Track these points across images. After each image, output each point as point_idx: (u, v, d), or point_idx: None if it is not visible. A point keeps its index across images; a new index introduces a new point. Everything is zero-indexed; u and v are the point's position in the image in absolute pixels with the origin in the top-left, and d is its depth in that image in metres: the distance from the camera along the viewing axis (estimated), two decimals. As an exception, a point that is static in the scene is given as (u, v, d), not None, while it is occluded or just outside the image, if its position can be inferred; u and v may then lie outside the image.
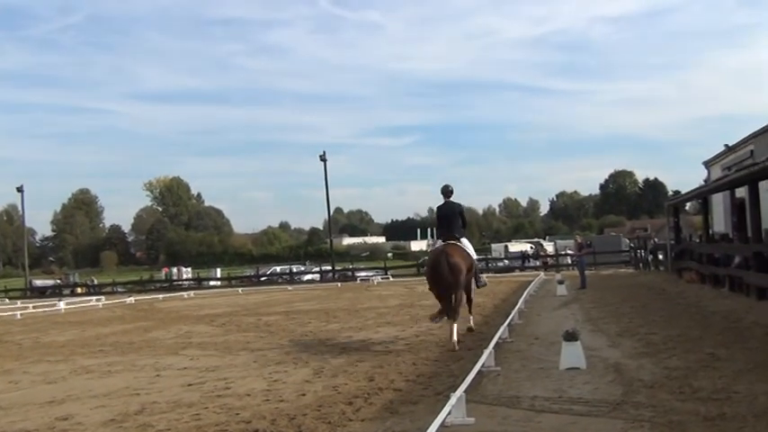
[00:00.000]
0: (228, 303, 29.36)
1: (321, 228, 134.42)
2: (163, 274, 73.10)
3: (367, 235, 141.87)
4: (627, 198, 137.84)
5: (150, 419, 7.70)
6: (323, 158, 55.58)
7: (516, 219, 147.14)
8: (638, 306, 17.50)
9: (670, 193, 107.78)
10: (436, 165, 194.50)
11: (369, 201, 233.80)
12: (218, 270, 72.56)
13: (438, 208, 13.84)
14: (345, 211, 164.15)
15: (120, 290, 54.19)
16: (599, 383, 8.28)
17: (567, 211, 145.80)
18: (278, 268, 64.32)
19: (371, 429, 6.74)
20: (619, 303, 18.51)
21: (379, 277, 46.03)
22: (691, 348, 10.43)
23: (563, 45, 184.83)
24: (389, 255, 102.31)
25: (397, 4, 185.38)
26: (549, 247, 67.56)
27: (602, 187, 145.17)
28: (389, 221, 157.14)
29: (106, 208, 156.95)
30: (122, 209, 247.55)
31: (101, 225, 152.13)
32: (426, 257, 14.27)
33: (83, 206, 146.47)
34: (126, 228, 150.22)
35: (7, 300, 46.90)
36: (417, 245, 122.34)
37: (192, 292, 42.03)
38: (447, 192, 13.58)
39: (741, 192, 20.30)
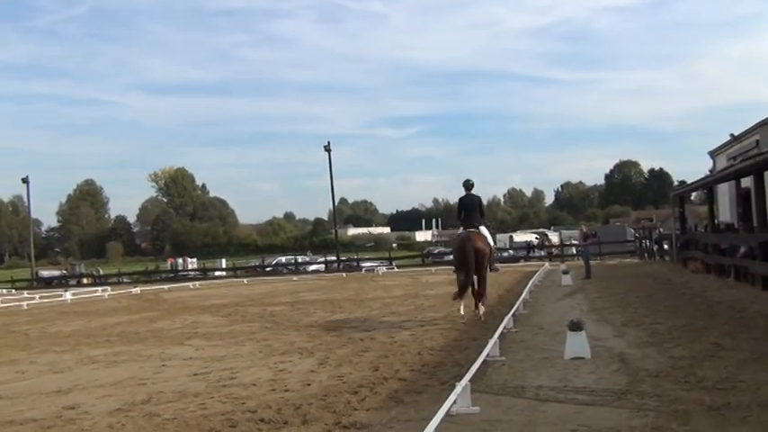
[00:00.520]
0: (234, 294, 29.41)
1: (326, 218, 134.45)
2: (168, 264, 73.24)
3: (372, 225, 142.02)
4: (632, 188, 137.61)
5: (156, 409, 7.73)
6: (327, 149, 55.60)
7: (521, 209, 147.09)
8: (643, 296, 17.49)
9: (675, 183, 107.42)
10: (440, 155, 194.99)
11: (373, 191, 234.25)
12: (224, 260, 72.73)
13: (460, 199, 15.26)
14: (350, 201, 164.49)
15: (125, 280, 54.32)
16: (604, 373, 8.29)
17: (572, 202, 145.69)
18: (283, 258, 64.38)
19: (376, 419, 6.75)
20: (624, 293, 18.50)
21: (383, 267, 46.05)
22: (696, 338, 10.43)
23: (567, 35, 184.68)
24: (394, 245, 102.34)
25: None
26: (553, 237, 67.59)
27: (607, 177, 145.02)
28: (394, 212, 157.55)
29: (111, 199, 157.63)
30: (127, 200, 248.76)
31: (106, 216, 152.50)
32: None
33: (88, 197, 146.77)
34: (131, 218, 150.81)
35: (14, 290, 47.08)
36: (422, 235, 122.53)
37: (197, 283, 42.09)
38: (468, 185, 15.14)
39: (747, 182, 20.23)
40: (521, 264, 43.66)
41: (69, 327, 18.40)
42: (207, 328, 16.15)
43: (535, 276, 25.09)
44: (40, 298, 31.19)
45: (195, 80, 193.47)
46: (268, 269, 55.33)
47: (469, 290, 14.37)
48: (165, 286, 40.22)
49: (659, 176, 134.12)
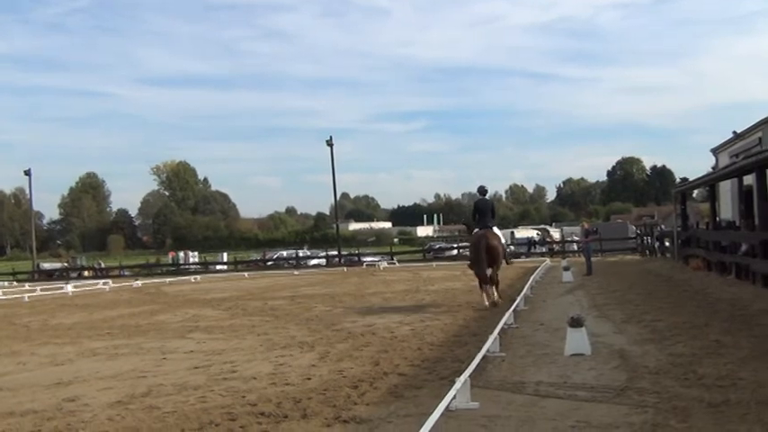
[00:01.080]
0: (235, 287, 29.43)
1: (328, 213, 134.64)
2: (169, 258, 73.22)
3: (373, 220, 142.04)
4: (634, 185, 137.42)
5: (156, 401, 7.75)
6: (330, 143, 55.53)
7: (523, 205, 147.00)
8: (644, 293, 17.49)
9: (677, 180, 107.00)
10: (443, 150, 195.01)
11: (375, 186, 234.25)
12: (225, 254, 72.70)
13: (475, 203, 17.52)
14: (352, 196, 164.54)
15: (126, 273, 54.37)
16: (603, 369, 8.30)
17: (574, 198, 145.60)
18: (284, 253, 64.39)
19: (376, 413, 6.77)
20: (625, 290, 18.49)
21: (384, 262, 46.06)
22: (696, 335, 10.43)
23: (571, 31, 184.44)
24: (395, 240, 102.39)
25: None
26: (555, 233, 67.38)
27: (609, 174, 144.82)
28: (396, 207, 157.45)
29: (113, 192, 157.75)
30: (129, 193, 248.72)
31: (108, 209, 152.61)
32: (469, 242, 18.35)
33: (90, 190, 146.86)
34: (133, 212, 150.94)
35: (15, 282, 47.14)
36: (423, 230, 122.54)
37: (198, 276, 42.13)
38: (483, 191, 17.53)
39: (749, 179, 20.20)
40: (522, 260, 43.63)
41: (70, 319, 18.43)
42: (208, 321, 16.18)
43: (536, 272, 25.08)
44: (42, 290, 31.26)
45: (198, 73, 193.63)
46: (269, 263, 55.34)
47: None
48: (167, 279, 40.26)
49: (661, 173, 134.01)
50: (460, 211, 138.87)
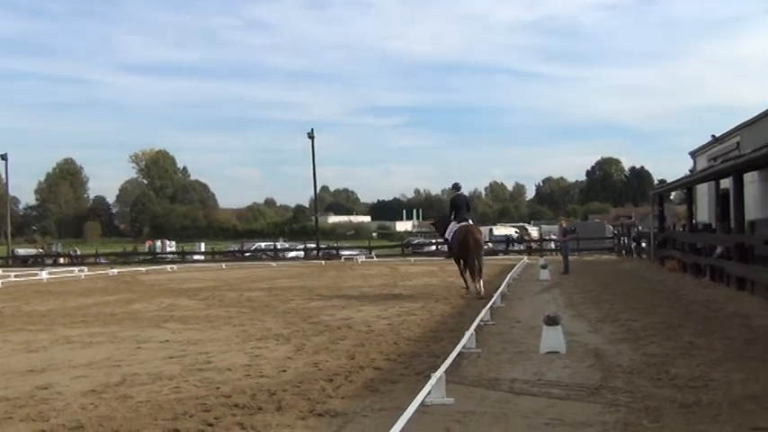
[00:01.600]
0: (212, 278, 29.32)
1: (307, 205, 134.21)
2: (146, 246, 72.76)
3: (353, 214, 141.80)
4: (613, 185, 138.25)
5: (130, 391, 7.70)
6: (311, 136, 55.40)
7: (502, 202, 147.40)
8: (620, 293, 17.62)
9: (655, 181, 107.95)
10: (424, 146, 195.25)
11: (355, 180, 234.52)
12: (203, 244, 72.40)
13: (452, 198, 19.02)
14: (332, 189, 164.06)
15: (103, 261, 54.00)
16: (578, 368, 8.35)
17: (553, 197, 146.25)
18: (262, 244, 64.20)
19: (351, 407, 6.77)
20: (601, 290, 18.63)
21: (363, 256, 46.09)
22: (670, 336, 10.53)
23: (555, 30, 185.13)
24: (374, 234, 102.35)
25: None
26: (533, 231, 67.70)
27: (588, 174, 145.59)
28: (375, 201, 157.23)
29: (91, 179, 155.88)
30: (107, 180, 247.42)
31: (85, 196, 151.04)
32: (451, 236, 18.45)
33: (67, 176, 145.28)
34: (110, 199, 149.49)
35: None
36: (403, 225, 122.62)
37: (175, 266, 41.94)
38: (457, 187, 19.01)
39: (726, 183, 20.40)
40: (500, 257, 43.82)
41: (45, 306, 18.27)
42: (184, 311, 16.10)
43: (513, 270, 25.20)
44: (16, 276, 30.90)
45: (179, 62, 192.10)
46: (247, 254, 55.21)
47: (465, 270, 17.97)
48: (143, 268, 40.01)
49: (640, 175, 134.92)
50: (440, 206, 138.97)
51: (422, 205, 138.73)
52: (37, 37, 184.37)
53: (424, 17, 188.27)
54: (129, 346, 10.98)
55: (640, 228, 41.85)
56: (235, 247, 66.67)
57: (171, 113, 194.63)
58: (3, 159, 62.54)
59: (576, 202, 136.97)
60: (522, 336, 10.88)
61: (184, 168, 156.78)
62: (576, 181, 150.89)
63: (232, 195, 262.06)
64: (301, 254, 52.93)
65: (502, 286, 17.78)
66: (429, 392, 6.54)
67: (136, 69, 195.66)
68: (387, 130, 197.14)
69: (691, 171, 34.97)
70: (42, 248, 69.90)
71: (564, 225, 31.25)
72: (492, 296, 15.35)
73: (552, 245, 47.52)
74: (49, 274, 32.88)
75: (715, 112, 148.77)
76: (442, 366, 7.34)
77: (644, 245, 34.33)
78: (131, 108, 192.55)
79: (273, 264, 42.73)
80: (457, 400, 6.79)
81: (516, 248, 50.77)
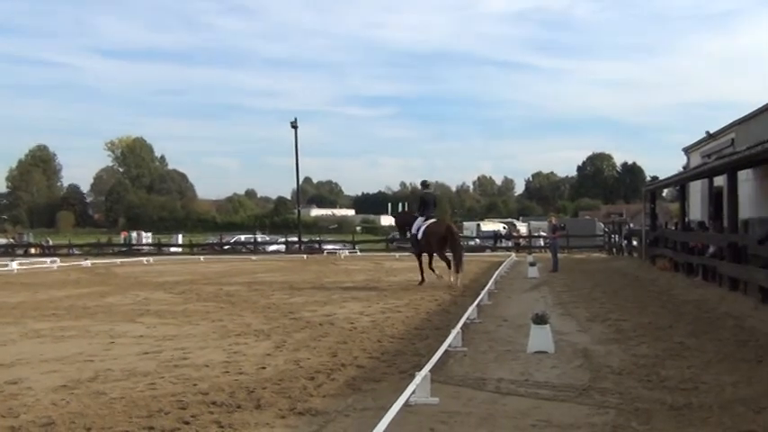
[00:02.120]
0: (189, 271, 29.23)
1: (289, 197, 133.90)
2: (122, 237, 72.36)
3: (336, 207, 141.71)
4: (604, 181, 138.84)
5: (103, 387, 7.67)
6: (294, 125, 55.20)
7: (490, 197, 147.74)
8: (610, 292, 17.72)
9: (648, 178, 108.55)
10: (410, 138, 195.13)
11: (339, 172, 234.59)
12: (180, 236, 71.98)
13: (423, 195, 20.94)
14: (315, 181, 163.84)
15: (76, 252, 53.63)
16: (566, 368, 8.40)
17: (543, 192, 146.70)
18: (242, 237, 64.01)
19: (333, 406, 6.77)
20: (590, 288, 18.73)
21: (346, 251, 46.07)
22: (660, 336, 10.60)
23: (545, 21, 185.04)
24: (358, 228, 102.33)
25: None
26: (522, 227, 67.93)
27: (579, 169, 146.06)
28: (360, 194, 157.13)
29: (65, 167, 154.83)
30: (81, 168, 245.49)
31: (58, 184, 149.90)
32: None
33: (40, 163, 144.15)
34: (85, 188, 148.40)
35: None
36: (387, 219, 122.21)
37: (151, 258, 41.75)
38: (426, 184, 21.74)
39: (720, 180, 20.54)
40: (487, 253, 43.96)
41: (14, 298, 18.14)
42: (159, 305, 16.04)
43: (501, 267, 25.27)
44: (-15, 267, 30.66)
45: (157, 46, 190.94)
46: (226, 247, 55.07)
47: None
48: (118, 260, 39.83)
49: (632, 171, 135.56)
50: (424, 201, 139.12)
51: (408, 199, 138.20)
52: (5, 16, 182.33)
53: (411, 5, 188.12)
54: (102, 341, 10.93)
55: (632, 225, 42.11)
56: (213, 239, 66.40)
57: (148, 100, 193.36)
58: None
59: (566, 198, 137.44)
60: (510, 335, 10.93)
61: (162, 157, 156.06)
62: (567, 176, 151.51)
63: (211, 186, 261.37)
64: (282, 247, 52.82)
65: (489, 283, 17.84)
66: (413, 392, 6.56)
67: (112, 53, 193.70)
68: (372, 121, 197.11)
69: (684, 168, 35.19)
70: (13, 238, 69.34)
71: (553, 221, 31.37)
72: (479, 294, 15.39)
73: (541, 242, 47.71)
74: (20, 264, 32.63)
75: (709, 107, 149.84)
76: (426, 365, 7.36)
77: (635, 243, 34.52)
78: (107, 93, 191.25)
79: (253, 257, 42.65)
80: (442, 400, 6.80)
81: (504, 245, 50.86)
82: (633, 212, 74.26)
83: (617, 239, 39.69)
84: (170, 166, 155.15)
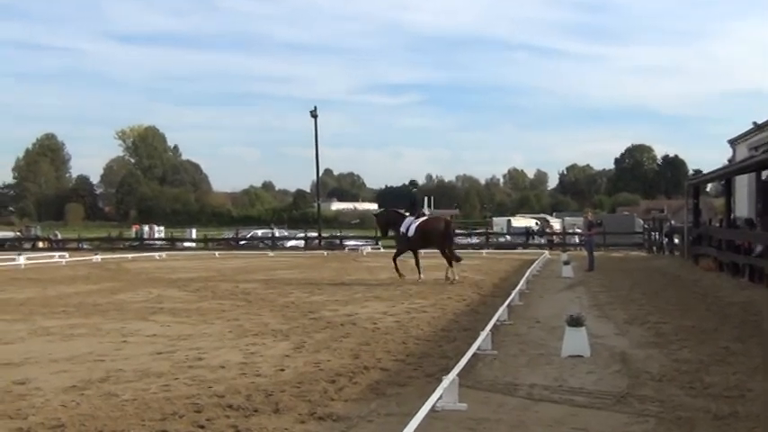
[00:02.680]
0: (204, 267, 29.40)
1: (308, 190, 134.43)
2: (133, 231, 72.92)
3: (358, 200, 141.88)
4: (643, 175, 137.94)
5: (115, 388, 7.74)
6: (314, 114, 55.33)
7: (522, 191, 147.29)
8: (650, 292, 17.61)
9: (690, 171, 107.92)
10: (437, 128, 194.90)
11: (362, 163, 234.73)
12: (194, 230, 72.61)
13: (415, 194, 27.10)
14: (336, 173, 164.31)
15: (85, 246, 54.12)
16: (603, 374, 8.36)
17: (578, 186, 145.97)
18: (259, 232, 64.29)
19: (355, 411, 6.79)
20: (629, 289, 18.62)
21: (369, 247, 46.08)
22: (704, 341, 10.52)
23: (581, 3, 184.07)
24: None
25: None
26: (555, 223, 67.67)
27: (617, 162, 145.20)
28: (383, 187, 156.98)
29: (74, 157, 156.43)
30: (91, 158, 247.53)
31: (67, 175, 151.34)
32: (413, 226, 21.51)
33: (48, 153, 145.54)
34: (95, 179, 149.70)
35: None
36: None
37: (164, 253, 42.03)
38: (415, 184, 29.77)
39: (768, 174, 20.34)
40: (518, 251, 43.82)
41: (22, 294, 18.35)
42: (173, 303, 16.16)
43: (533, 265, 25.18)
44: (-9, 261, 31.05)
45: (172, 30, 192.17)
46: (242, 243, 55.30)
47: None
48: (129, 255, 40.13)
49: (673, 164, 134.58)
50: (453, 194, 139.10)
51: (434, 192, 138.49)
52: (14, 0, 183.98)
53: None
54: (113, 340, 11.03)
55: (673, 222, 41.78)
56: (229, 234, 66.72)
57: (161, 87, 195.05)
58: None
59: (603, 193, 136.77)
60: (543, 337, 10.90)
61: (175, 147, 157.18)
62: (604, 169, 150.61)
63: (227, 178, 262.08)
64: (301, 243, 53.00)
65: (520, 283, 17.78)
66: (440, 397, 6.56)
67: (123, 37, 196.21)
68: (396, 110, 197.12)
69: (729, 161, 34.89)
70: (20, 231, 70.15)
71: (589, 217, 31.13)
72: (510, 294, 15.36)
73: (576, 239, 47.43)
74: (27, 259, 33.01)
75: (757, 97, 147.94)
76: (454, 369, 7.35)
77: (677, 241, 34.25)
78: (118, 80, 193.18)
79: (271, 253, 42.81)
80: (470, 405, 6.80)
81: (536, 242, 50.74)
82: (675, 208, 73.80)
83: (657, 237, 39.40)
84: (184, 157, 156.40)
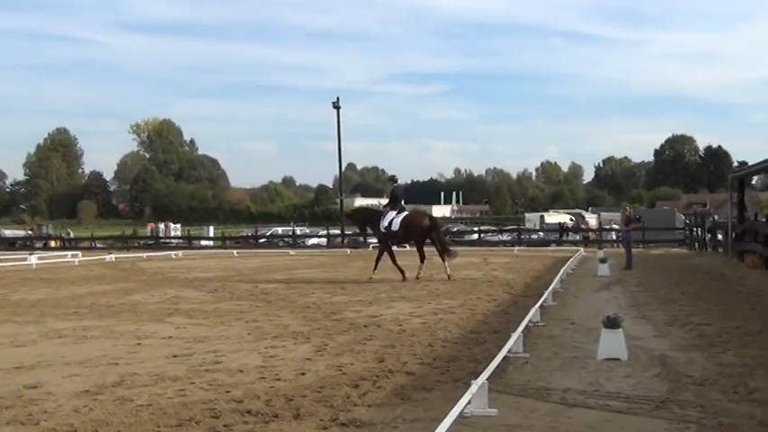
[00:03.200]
0: (221, 267, 29.58)
1: (330, 185, 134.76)
2: (148, 229, 73.57)
3: (383, 196, 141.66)
4: (685, 168, 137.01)
5: (129, 393, 7.80)
6: (336, 106, 55.49)
7: (555, 186, 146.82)
8: (691, 292, 17.50)
9: (735, 163, 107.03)
10: (465, 119, 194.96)
11: (386, 157, 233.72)
12: (211, 228, 72.92)
13: (396, 188, 23.42)
14: (359, 167, 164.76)
15: (99, 245, 54.70)
16: (641, 378, 8.32)
17: (615, 180, 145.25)
18: (279, 229, 64.57)
19: (379, 416, 6.80)
20: (669, 288, 18.52)
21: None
22: (749, 343, 10.44)
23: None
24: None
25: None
26: (591, 219, 67.39)
27: (656, 154, 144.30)
28: (409, 182, 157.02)
29: (86, 152, 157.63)
30: (105, 153, 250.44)
31: (80, 171, 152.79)
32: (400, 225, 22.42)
33: (60, 148, 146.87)
34: (108, 175, 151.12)
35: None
36: (440, 210, 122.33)
37: (180, 252, 42.36)
38: (395, 179, 24.29)
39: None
40: (552, 248, 43.69)
41: (34, 295, 18.56)
42: (189, 304, 16.26)
43: (568, 263, 25.10)
44: (2, 261, 31.42)
45: (188, 20, 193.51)
46: (261, 241, 55.61)
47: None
48: (144, 254, 40.46)
49: (716, 155, 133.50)
50: (483, 189, 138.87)
51: (462, 187, 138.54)
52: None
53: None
54: (127, 343, 11.12)
55: (716, 217, 41.46)
56: (248, 232, 67.09)
57: (177, 78, 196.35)
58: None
59: (641, 187, 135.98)
60: (577, 339, 10.86)
61: (191, 141, 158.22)
62: (643, 162, 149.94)
63: (245, 173, 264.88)
64: (324, 241, 53.18)
65: (554, 282, 17.72)
66: (469, 402, 6.55)
67: (137, 28, 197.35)
68: (422, 100, 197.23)
69: (777, 152, 34.46)
70: (31, 230, 70.92)
71: (627, 213, 31.02)
72: (542, 293, 15.32)
73: (613, 235, 47.25)
74: (39, 258, 33.38)
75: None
76: (484, 372, 7.34)
77: (720, 237, 34.02)
78: (132, 72, 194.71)
79: (292, 252, 43.01)
80: (501, 411, 6.79)
81: (571, 238, 50.62)
82: (718, 203, 73.20)
83: (699, 233, 39.13)
84: (200, 151, 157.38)
